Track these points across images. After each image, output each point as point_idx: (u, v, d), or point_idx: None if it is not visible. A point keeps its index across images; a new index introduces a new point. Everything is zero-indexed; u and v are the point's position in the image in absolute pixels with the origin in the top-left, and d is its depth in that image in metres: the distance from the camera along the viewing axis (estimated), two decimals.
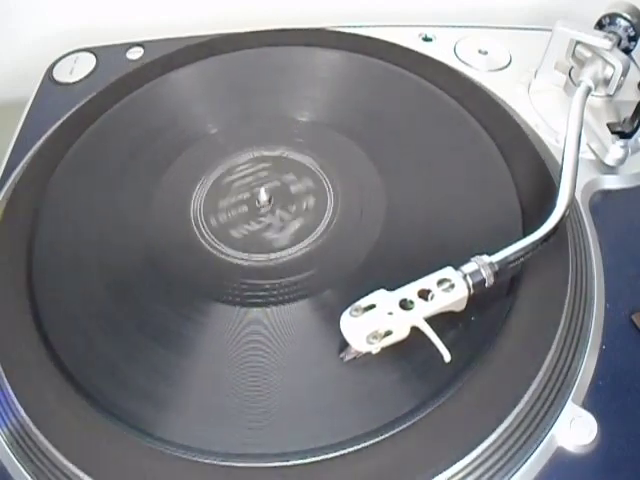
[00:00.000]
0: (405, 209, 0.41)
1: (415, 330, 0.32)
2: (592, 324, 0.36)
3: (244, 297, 0.37)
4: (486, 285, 0.33)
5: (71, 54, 0.56)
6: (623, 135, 0.43)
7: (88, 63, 0.55)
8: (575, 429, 0.32)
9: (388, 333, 0.32)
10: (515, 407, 0.32)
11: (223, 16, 0.63)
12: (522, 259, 0.35)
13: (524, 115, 0.47)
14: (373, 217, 0.41)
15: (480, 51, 0.53)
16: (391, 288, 0.33)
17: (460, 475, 0.31)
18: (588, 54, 0.45)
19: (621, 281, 0.38)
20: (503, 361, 0.33)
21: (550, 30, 0.47)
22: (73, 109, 0.50)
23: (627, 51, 0.46)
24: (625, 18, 0.46)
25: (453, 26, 0.55)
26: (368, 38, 0.52)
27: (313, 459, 0.31)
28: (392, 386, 0.33)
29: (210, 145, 0.46)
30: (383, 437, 0.31)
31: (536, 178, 0.41)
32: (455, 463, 0.30)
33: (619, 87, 0.45)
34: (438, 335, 0.32)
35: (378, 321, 0.32)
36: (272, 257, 0.39)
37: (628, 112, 0.43)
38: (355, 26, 0.55)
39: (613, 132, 0.43)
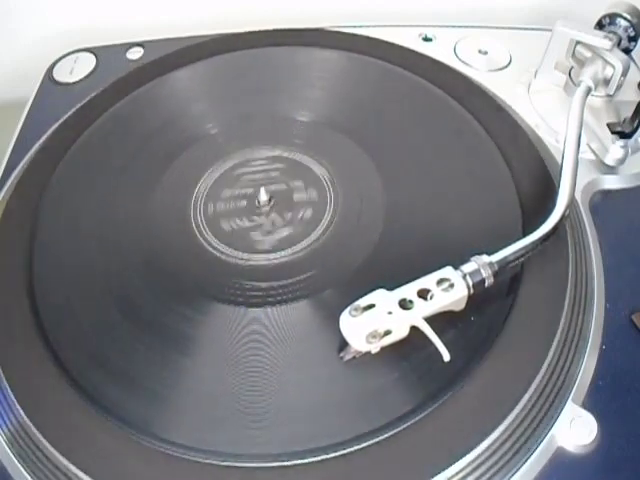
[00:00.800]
0: (405, 208, 0.41)
1: (415, 330, 0.32)
2: (592, 324, 0.36)
3: (244, 297, 0.37)
4: (486, 285, 0.33)
5: (71, 54, 0.56)
6: (623, 135, 0.43)
7: (88, 63, 0.55)
8: (575, 429, 0.32)
9: (387, 333, 0.32)
10: (515, 407, 0.32)
11: (223, 16, 0.63)
12: (522, 259, 0.35)
13: (524, 115, 0.47)
14: (373, 217, 0.41)
15: (480, 51, 0.53)
16: (391, 288, 0.33)
17: (460, 475, 0.30)
18: (588, 54, 0.45)
19: (621, 281, 0.38)
20: (503, 361, 0.33)
21: (550, 30, 0.47)
22: (73, 109, 0.50)
23: (627, 51, 0.46)
24: (625, 18, 0.46)
25: (453, 26, 0.55)
26: (368, 38, 0.52)
27: (313, 459, 0.31)
28: (392, 386, 0.33)
29: (210, 145, 0.46)
30: (383, 437, 0.31)
31: (536, 178, 0.41)
32: (455, 463, 0.30)
33: (619, 87, 0.45)
34: (438, 335, 0.32)
35: (377, 321, 0.32)
36: (272, 257, 0.39)
37: (628, 112, 0.43)
38: (355, 26, 0.55)
39: (613, 132, 0.43)
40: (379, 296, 0.33)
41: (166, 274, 0.39)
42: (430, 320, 0.32)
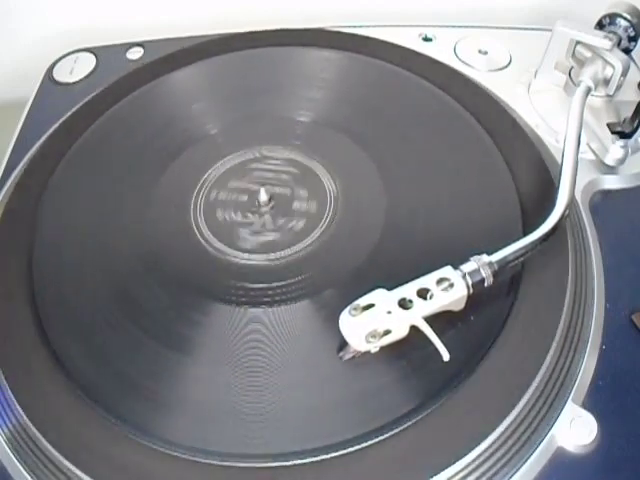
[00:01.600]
0: (405, 208, 0.41)
1: (414, 329, 0.32)
2: (592, 324, 0.36)
3: (244, 297, 0.37)
4: (485, 284, 0.33)
5: (71, 54, 0.56)
6: (623, 135, 0.43)
7: (88, 63, 0.55)
8: (575, 429, 0.32)
9: (387, 332, 0.32)
10: (515, 407, 0.32)
11: (223, 16, 0.63)
12: (521, 259, 0.35)
13: (524, 115, 0.47)
14: (373, 217, 0.41)
15: (480, 51, 0.53)
16: (390, 287, 0.33)
17: (460, 475, 0.30)
18: (588, 54, 0.45)
19: (621, 281, 0.38)
20: (503, 361, 0.33)
21: (550, 30, 0.47)
22: (73, 109, 0.50)
23: (627, 51, 0.46)
24: (625, 18, 0.46)
25: (453, 26, 0.55)
26: (368, 38, 0.52)
27: (313, 459, 0.31)
28: (391, 385, 0.33)
29: (210, 145, 0.46)
30: (383, 437, 0.31)
31: (536, 178, 0.41)
32: (455, 463, 0.30)
33: (619, 87, 0.45)
34: (437, 334, 0.32)
35: (377, 320, 0.32)
36: (272, 257, 0.39)
37: (628, 112, 0.43)
38: (355, 26, 0.55)
39: (613, 132, 0.43)
40: (379, 296, 0.33)
41: (166, 274, 0.39)
42: (430, 320, 0.32)
